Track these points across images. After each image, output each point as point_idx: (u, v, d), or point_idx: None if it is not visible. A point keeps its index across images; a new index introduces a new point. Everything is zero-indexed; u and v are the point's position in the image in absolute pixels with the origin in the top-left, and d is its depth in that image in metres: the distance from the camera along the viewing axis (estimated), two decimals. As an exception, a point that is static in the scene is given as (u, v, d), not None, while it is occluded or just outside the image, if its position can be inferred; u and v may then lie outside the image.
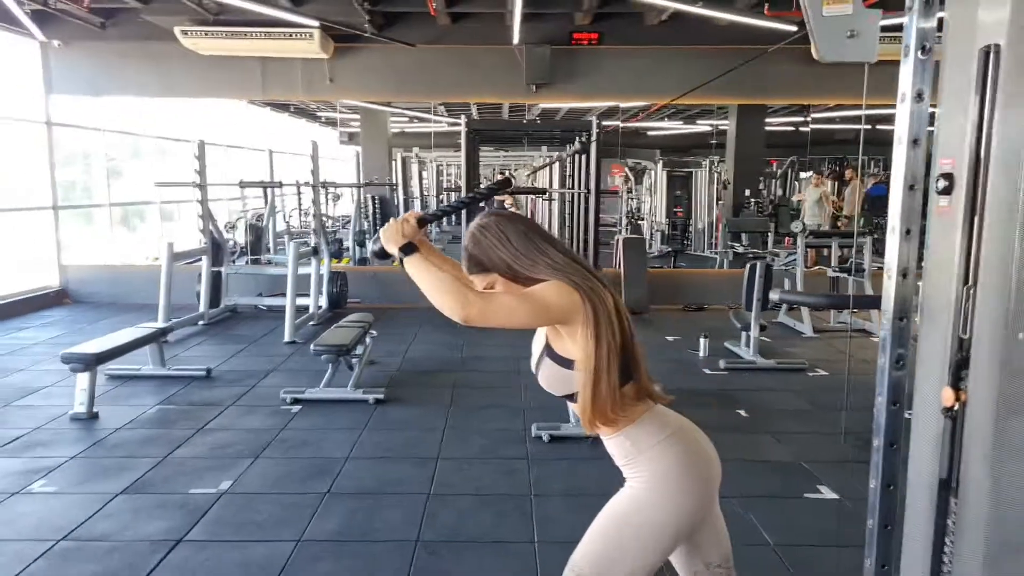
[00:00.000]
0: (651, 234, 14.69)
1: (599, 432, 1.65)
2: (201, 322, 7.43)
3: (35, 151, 8.59)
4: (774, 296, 5.65)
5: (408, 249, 1.63)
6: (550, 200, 15.14)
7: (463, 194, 7.83)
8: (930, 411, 1.67)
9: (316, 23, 7.55)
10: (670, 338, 7.07)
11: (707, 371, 5.84)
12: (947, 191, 1.71)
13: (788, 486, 3.61)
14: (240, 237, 10.34)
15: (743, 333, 6.15)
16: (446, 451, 4.06)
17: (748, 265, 6.11)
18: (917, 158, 1.54)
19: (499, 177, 1.99)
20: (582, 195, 7.88)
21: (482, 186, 2.03)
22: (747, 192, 12.67)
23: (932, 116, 1.66)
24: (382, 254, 1.68)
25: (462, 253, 1.70)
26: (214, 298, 7.67)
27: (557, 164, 14.33)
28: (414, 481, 3.64)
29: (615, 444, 1.65)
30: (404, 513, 3.29)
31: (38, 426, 4.42)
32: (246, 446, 4.12)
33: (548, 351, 1.64)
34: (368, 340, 5.62)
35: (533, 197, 17.81)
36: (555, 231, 14.24)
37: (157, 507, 3.34)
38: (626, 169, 16.69)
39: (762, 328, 6.05)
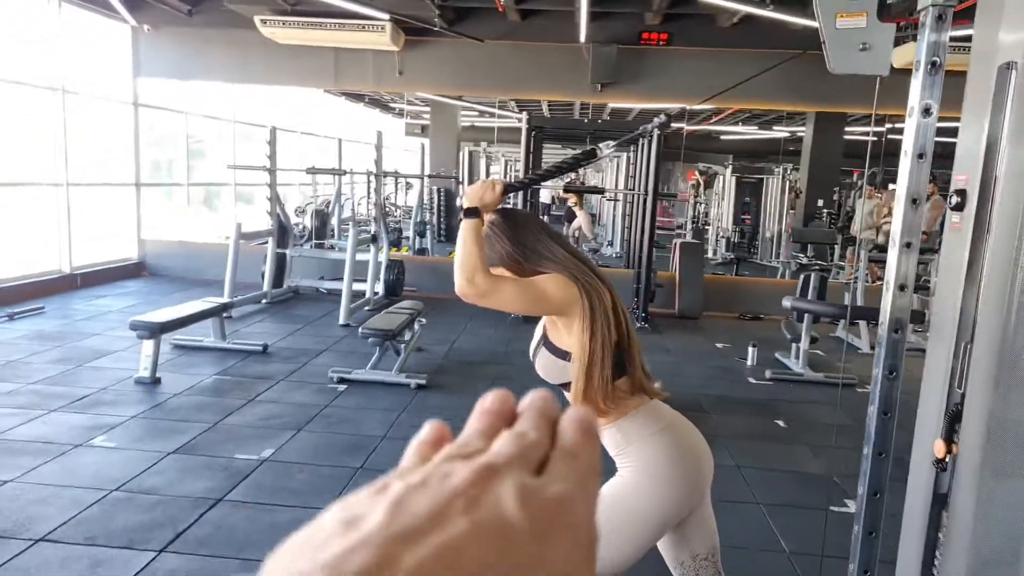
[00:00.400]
0: (716, 240, 14.50)
1: None
2: (264, 300, 7.76)
3: (123, 130, 9.11)
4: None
5: (472, 213, 1.69)
6: (614, 200, 15.13)
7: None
8: (931, 429, 1.68)
9: (387, 16, 7.75)
10: (720, 345, 7.00)
11: (752, 380, 5.77)
12: (959, 207, 1.71)
13: (815, 498, 3.57)
14: (308, 222, 10.71)
15: (793, 344, 6.06)
16: (479, 438, 4.16)
17: (802, 276, 6.02)
18: (922, 172, 1.54)
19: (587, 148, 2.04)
20: (641, 197, 7.87)
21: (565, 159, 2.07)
22: (820, 203, 12.32)
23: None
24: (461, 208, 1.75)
25: None
26: (277, 278, 7.99)
27: (624, 164, 14.37)
28: (444, 464, 3.76)
29: (607, 435, 1.71)
30: (430, 493, 3.41)
31: (105, 387, 4.74)
32: (291, 419, 4.33)
33: (545, 341, 1.71)
34: (417, 327, 5.79)
35: (600, 196, 17.84)
36: (617, 230, 14.25)
37: (203, 468, 3.56)
38: (696, 173, 16.51)
39: (813, 340, 5.94)
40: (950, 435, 1.67)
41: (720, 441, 4.32)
